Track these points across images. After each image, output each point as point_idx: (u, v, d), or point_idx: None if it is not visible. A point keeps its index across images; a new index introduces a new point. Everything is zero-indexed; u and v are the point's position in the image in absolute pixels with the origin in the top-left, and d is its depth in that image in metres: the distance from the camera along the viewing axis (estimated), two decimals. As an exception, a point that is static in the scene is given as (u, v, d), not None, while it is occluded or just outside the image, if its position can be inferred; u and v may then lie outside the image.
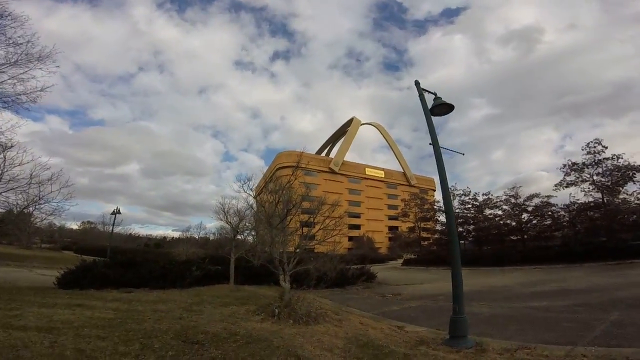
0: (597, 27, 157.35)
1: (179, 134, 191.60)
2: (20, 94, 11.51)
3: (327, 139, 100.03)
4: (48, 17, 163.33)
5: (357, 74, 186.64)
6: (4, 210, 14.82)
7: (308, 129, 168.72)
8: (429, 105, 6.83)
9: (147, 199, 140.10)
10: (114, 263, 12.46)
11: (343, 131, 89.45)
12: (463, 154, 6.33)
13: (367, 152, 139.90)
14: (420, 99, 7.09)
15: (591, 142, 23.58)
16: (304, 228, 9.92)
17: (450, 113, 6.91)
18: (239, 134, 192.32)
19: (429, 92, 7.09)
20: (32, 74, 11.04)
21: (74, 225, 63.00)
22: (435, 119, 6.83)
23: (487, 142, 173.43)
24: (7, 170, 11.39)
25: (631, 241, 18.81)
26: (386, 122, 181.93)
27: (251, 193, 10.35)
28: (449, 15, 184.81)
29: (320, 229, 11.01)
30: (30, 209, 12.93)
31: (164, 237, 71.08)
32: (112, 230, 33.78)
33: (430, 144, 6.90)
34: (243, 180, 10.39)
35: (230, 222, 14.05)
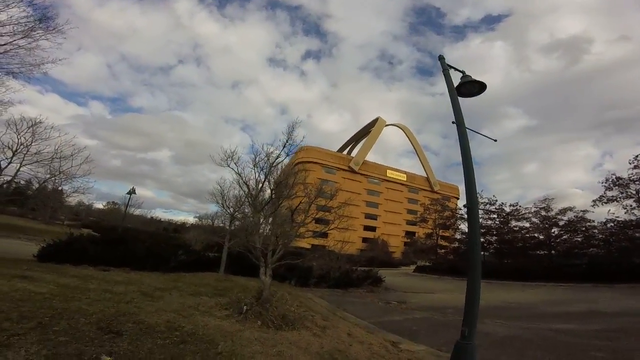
0: None
1: (210, 125, 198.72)
2: (31, 65, 11.77)
3: (350, 137, 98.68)
4: (100, 7, 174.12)
5: (388, 77, 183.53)
6: (24, 182, 15.50)
7: (333, 129, 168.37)
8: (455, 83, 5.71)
9: (174, 185, 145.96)
10: (98, 240, 12.27)
11: (367, 131, 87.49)
12: (495, 140, 5.07)
13: (391, 155, 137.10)
14: (445, 75, 5.96)
15: (638, 155, 21.06)
16: (294, 215, 8.94)
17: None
18: (266, 129, 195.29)
19: (456, 69, 5.95)
20: (41, 44, 11.17)
21: (100, 205, 66.60)
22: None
23: (520, 154, 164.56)
24: (34, 144, 11.75)
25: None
26: (415, 127, 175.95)
27: (235, 168, 9.54)
28: (490, 22, 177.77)
29: (332, 225, 10.07)
30: (51, 184, 13.27)
31: (184, 222, 72.92)
32: (126, 210, 34.70)
33: (453, 122, 5.76)
34: (227, 154, 9.50)
35: (226, 207, 13.43)
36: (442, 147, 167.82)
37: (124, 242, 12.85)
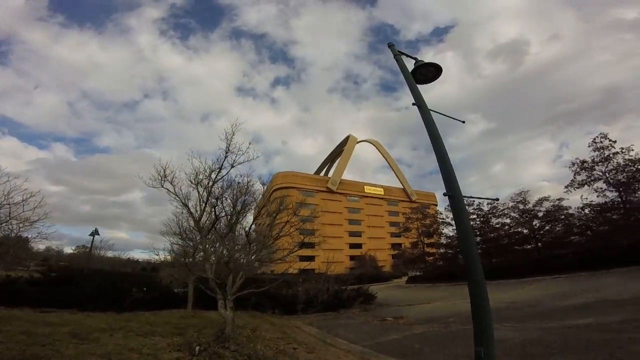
0: (579, 36, 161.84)
1: (182, 160, 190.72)
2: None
3: (325, 158, 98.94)
4: (57, 43, 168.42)
5: (355, 96, 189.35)
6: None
7: (309, 153, 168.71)
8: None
9: (150, 224, 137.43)
10: (39, 281, 10.36)
11: (340, 150, 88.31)
12: (463, 122, 4.17)
13: (368, 172, 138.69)
14: (397, 61, 5.30)
15: (597, 137, 21.62)
16: (249, 237, 7.69)
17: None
18: (241, 159, 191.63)
19: (408, 55, 5.31)
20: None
21: (70, 250, 61.29)
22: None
23: (485, 156, 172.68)
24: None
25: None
26: (386, 142, 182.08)
27: (170, 188, 8.20)
28: (439, 34, 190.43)
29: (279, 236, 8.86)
30: (6, 230, 11.40)
31: (163, 260, 67.64)
32: (90, 251, 31.74)
33: (414, 104, 4.93)
34: (160, 173, 8.20)
35: (186, 238, 11.79)
36: (414, 159, 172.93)
37: (70, 281, 10.88)
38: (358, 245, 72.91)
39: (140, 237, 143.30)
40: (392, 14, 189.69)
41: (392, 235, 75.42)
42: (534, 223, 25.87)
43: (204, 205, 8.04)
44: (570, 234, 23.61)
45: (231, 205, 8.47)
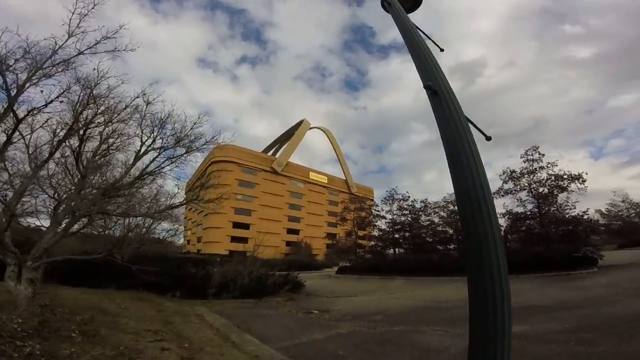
0: (531, 66, 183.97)
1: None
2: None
3: (274, 139, 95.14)
4: None
5: (319, 88, 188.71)
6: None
7: (262, 135, 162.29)
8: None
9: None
10: None
11: (291, 133, 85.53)
12: (442, 50, 2.47)
13: (316, 162, 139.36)
14: None
15: (529, 149, 23.35)
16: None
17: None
18: (191, 137, 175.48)
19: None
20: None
21: None
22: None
23: (421, 164, 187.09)
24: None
25: (569, 252, 18.52)
26: (339, 137, 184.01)
27: None
28: None
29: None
30: None
31: None
32: None
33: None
34: None
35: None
36: (360, 157, 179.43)
37: None
38: (296, 231, 72.29)
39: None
40: (374, 17, 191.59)
41: (329, 225, 76.39)
42: (458, 224, 27.65)
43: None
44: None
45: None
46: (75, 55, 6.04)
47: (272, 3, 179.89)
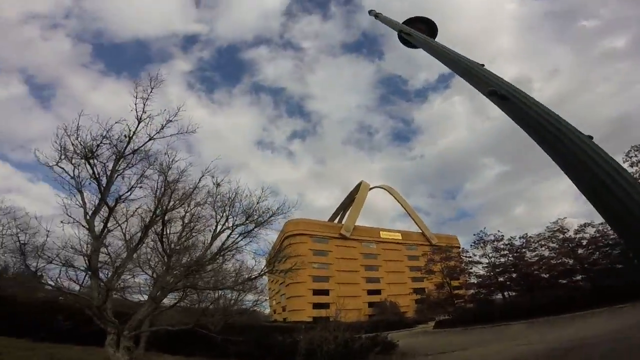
0: (578, 68, 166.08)
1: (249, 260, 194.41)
2: None
3: (337, 206, 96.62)
4: (95, 90, 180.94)
5: (369, 147, 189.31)
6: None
7: (325, 204, 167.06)
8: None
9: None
10: None
11: (353, 198, 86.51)
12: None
13: (384, 221, 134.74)
14: (382, 20, 3.94)
15: (630, 150, 19.26)
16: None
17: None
18: (259, 212, 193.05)
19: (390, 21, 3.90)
20: None
21: None
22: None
23: (505, 199, 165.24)
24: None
25: None
26: (403, 191, 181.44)
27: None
28: (444, 80, 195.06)
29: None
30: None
31: None
32: None
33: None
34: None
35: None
36: (431, 207, 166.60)
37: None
38: (377, 292, 67.08)
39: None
40: (399, 65, 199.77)
41: (413, 280, 69.19)
42: (579, 252, 22.07)
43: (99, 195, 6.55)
44: (628, 258, 19.67)
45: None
46: (148, 140, 7.06)
47: (303, 77, 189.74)
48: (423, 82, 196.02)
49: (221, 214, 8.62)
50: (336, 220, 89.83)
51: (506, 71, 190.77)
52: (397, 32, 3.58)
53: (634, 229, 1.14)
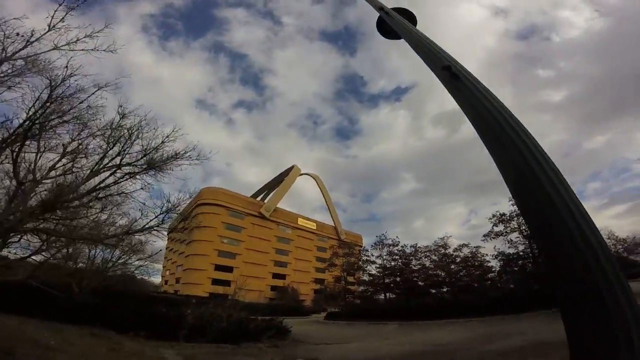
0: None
1: (139, 207, 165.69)
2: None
3: (263, 185, 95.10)
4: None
5: (311, 136, 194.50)
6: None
7: (253, 181, 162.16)
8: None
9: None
10: None
11: (281, 179, 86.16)
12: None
13: (306, 210, 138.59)
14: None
15: None
16: None
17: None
18: (177, 173, 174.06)
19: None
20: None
21: None
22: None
23: (410, 212, 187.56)
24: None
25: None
26: (329, 185, 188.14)
27: None
28: (399, 92, 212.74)
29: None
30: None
31: None
32: None
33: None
34: None
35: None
36: (349, 205, 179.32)
37: None
38: (282, 276, 68.68)
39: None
40: (365, 67, 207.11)
41: (317, 270, 73.25)
42: (451, 267, 26.77)
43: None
44: (486, 278, 24.79)
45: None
46: (51, 49, 5.62)
47: (271, 50, 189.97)
48: (380, 89, 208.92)
49: (111, 147, 6.86)
50: (259, 198, 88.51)
51: (451, 100, 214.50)
52: (377, 17, 3.54)
53: (546, 228, 1.28)
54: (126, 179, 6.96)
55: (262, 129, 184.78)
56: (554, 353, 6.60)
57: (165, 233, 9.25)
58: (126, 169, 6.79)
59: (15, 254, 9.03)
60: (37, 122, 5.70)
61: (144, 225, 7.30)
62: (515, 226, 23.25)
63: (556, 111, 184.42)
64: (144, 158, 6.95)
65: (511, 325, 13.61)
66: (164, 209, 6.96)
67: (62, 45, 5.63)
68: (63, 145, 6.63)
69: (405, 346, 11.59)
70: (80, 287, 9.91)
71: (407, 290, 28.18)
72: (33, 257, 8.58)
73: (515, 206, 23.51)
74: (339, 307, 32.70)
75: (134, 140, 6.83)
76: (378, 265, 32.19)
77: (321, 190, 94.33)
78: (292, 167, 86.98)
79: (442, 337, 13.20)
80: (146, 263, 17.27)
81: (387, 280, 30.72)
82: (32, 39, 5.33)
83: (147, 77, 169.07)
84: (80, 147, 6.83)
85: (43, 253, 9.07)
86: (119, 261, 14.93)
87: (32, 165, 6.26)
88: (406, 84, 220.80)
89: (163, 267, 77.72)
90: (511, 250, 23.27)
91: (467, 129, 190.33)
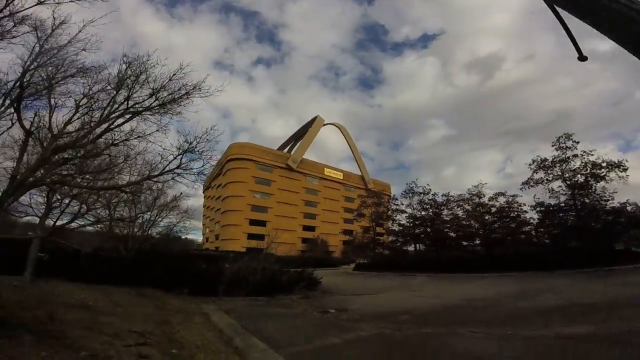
0: (551, 59, 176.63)
1: (159, 152, 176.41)
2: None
3: (289, 136, 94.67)
4: None
5: (333, 87, 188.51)
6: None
7: (278, 134, 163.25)
8: None
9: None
10: None
11: (306, 130, 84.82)
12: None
13: (332, 161, 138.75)
14: None
15: (561, 137, 21.43)
16: None
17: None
18: (192, 115, 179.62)
19: None
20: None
21: None
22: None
23: (440, 160, 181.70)
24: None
25: (609, 246, 16.62)
26: (355, 135, 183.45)
27: None
28: (425, 40, 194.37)
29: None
30: None
31: None
32: None
33: None
34: None
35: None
36: (377, 154, 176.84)
37: None
38: (311, 228, 71.55)
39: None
40: (386, 14, 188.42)
41: (345, 222, 75.20)
42: (485, 218, 25.79)
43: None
44: (522, 232, 23.82)
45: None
46: (35, 5, 5.03)
47: (283, 4, 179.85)
48: (404, 37, 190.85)
49: (117, 91, 6.28)
50: (285, 150, 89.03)
51: (485, 46, 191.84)
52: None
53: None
54: (136, 120, 6.52)
55: (283, 83, 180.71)
56: (595, 315, 6.08)
57: (189, 177, 8.74)
58: (135, 108, 6.30)
59: (62, 220, 9.58)
60: (31, 71, 5.31)
61: (163, 169, 7.01)
62: (558, 174, 21.18)
63: (604, 60, 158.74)
64: (153, 98, 6.46)
65: (543, 282, 13.16)
66: (181, 150, 6.76)
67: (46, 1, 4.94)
68: (75, 100, 6.30)
69: (435, 299, 11.66)
70: (127, 250, 10.66)
71: (438, 242, 27.98)
72: (90, 227, 8.99)
73: (558, 151, 21.26)
74: (367, 258, 33.58)
75: (142, 84, 6.28)
76: (408, 215, 31.72)
77: (346, 140, 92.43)
78: (315, 117, 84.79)
79: (474, 291, 13.11)
80: (182, 219, 18.27)
81: (417, 231, 30.49)
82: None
83: (161, 46, 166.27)
84: (92, 100, 6.39)
85: (87, 219, 9.53)
86: (159, 220, 15.79)
87: (47, 121, 6.05)
88: (433, 31, 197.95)
89: (203, 224, 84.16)
90: (552, 201, 21.60)
91: (503, 75, 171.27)
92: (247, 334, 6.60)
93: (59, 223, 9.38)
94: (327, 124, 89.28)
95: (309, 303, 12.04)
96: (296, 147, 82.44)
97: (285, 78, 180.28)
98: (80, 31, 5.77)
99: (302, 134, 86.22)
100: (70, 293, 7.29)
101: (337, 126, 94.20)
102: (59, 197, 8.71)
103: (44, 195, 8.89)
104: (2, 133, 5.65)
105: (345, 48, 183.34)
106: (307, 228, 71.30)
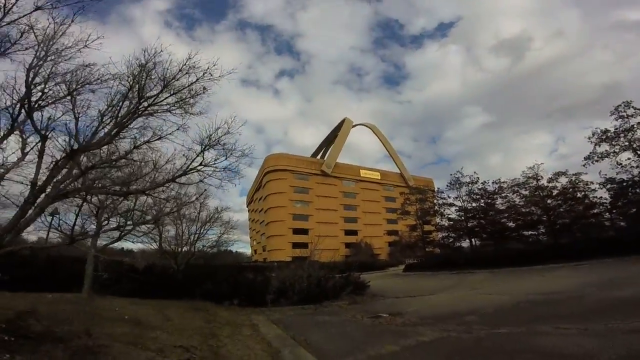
0: (581, 34, 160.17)
1: (183, 152, 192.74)
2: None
3: (320, 142, 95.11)
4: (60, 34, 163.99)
5: (358, 88, 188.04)
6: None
7: (310, 142, 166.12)
8: None
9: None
10: None
11: (336, 134, 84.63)
12: None
13: (368, 162, 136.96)
14: None
15: (620, 105, 18.92)
16: None
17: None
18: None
19: None
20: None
21: None
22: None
23: (483, 148, 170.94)
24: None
25: None
26: (388, 133, 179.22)
27: None
28: (443, 28, 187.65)
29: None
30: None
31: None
32: None
33: None
34: None
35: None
36: (414, 150, 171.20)
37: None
38: (354, 232, 70.36)
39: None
40: (397, 9, 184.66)
41: (388, 222, 72.98)
42: (548, 202, 22.84)
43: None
44: (590, 215, 20.76)
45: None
46: (33, 10, 4.84)
47: (294, 14, 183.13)
48: (420, 29, 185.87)
49: (129, 86, 6.10)
50: (319, 157, 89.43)
51: (508, 27, 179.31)
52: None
53: None
54: (155, 119, 6.43)
55: (308, 92, 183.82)
56: None
57: (216, 175, 8.20)
58: (147, 103, 6.18)
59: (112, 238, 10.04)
60: (39, 73, 5.33)
61: (186, 168, 6.85)
62: (626, 144, 18.25)
63: (638, 29, 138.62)
64: (165, 92, 6.39)
65: (630, 269, 11.09)
66: (203, 145, 6.68)
67: (43, 5, 4.93)
68: (99, 110, 6.34)
69: (503, 296, 10.30)
70: (177, 265, 10.99)
71: (495, 234, 25.40)
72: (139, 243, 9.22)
73: (618, 121, 18.43)
74: (417, 258, 31.76)
75: (155, 81, 6.20)
76: (457, 208, 29.51)
77: (379, 139, 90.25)
78: (344, 120, 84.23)
79: (547, 284, 11.42)
80: (226, 231, 18.69)
81: (469, 224, 28.12)
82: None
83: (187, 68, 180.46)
84: (115, 108, 6.35)
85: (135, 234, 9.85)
86: (204, 232, 16.25)
87: (74, 132, 6.02)
88: (449, 18, 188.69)
89: (250, 237, 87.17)
90: (623, 176, 18.61)
91: (535, 55, 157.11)
92: (295, 345, 6.16)
93: (108, 241, 9.92)
94: (356, 125, 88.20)
95: (358, 308, 11.36)
96: (328, 152, 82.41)
97: (309, 86, 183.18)
98: (87, 42, 5.66)
99: (332, 138, 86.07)
100: (123, 308, 7.51)
101: (368, 126, 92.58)
102: (107, 215, 9.22)
103: (93, 217, 9.46)
104: (7, 136, 5.44)
105: (364, 48, 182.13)
106: (349, 232, 70.31)
